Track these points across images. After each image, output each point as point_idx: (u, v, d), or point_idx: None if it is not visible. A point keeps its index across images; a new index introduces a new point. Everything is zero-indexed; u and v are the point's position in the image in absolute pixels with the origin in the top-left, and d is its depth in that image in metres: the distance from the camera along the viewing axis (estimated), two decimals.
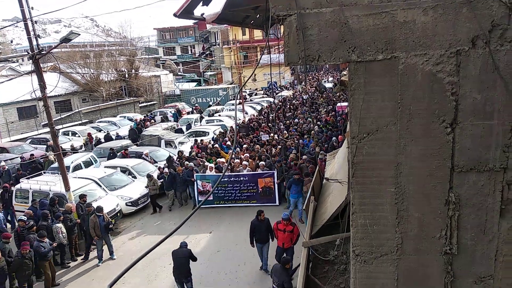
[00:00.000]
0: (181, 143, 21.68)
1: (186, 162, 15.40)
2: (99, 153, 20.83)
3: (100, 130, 28.04)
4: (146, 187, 14.63)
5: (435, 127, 4.26)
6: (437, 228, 4.48)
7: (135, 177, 16.22)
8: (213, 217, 13.65)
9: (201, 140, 20.31)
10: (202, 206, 14.03)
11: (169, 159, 16.96)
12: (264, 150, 16.15)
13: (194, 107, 37.66)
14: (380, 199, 4.55)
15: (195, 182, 14.27)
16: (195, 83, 51.26)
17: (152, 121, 31.06)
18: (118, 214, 13.77)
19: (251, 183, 13.89)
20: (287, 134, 18.33)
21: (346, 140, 10.17)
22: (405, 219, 4.53)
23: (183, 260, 8.75)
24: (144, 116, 33.56)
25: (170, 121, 31.82)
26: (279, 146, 16.11)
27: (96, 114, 34.81)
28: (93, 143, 23.58)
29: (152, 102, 44.05)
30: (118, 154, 19.46)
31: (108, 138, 25.33)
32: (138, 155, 18.91)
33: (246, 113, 29.73)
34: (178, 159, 17.03)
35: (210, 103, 40.26)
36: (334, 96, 31.73)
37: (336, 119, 21.66)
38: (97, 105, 35.13)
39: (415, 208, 4.48)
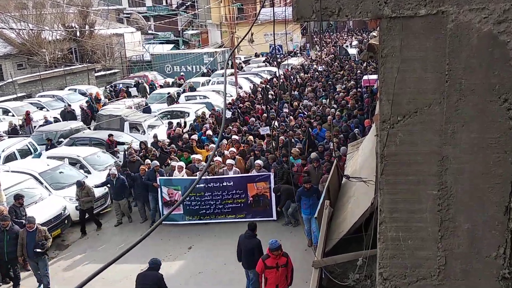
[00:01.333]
0: (152, 126, 21.70)
1: (148, 161, 14.81)
2: (41, 139, 20.85)
3: (41, 108, 27.99)
4: (76, 199, 13.88)
5: (493, 108, 4.24)
6: (493, 244, 4.49)
7: (89, 172, 16.26)
8: (193, 227, 13.74)
9: (179, 123, 20.28)
10: (168, 223, 13.65)
11: (125, 153, 16.41)
12: (262, 144, 15.56)
13: (178, 78, 37.45)
14: (417, 205, 4.56)
15: (158, 189, 13.91)
16: (171, 46, 51.01)
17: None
18: (66, 221, 13.83)
19: (237, 190, 13.53)
20: (293, 122, 18.14)
21: (374, 126, 10.18)
22: (450, 231, 4.55)
23: None
24: (106, 88, 33.45)
25: (136, 96, 31.79)
26: (282, 138, 15.87)
27: (37, 86, 34.73)
28: (34, 124, 23.55)
29: (112, 71, 43.91)
30: (68, 140, 19.42)
31: (66, 115, 25.39)
32: (93, 143, 18.94)
33: (240, 88, 29.69)
34: (152, 147, 16.80)
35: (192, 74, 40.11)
36: (359, 67, 31.68)
37: (362, 98, 21.63)
38: (38, 74, 34.98)
39: (464, 217, 4.49)
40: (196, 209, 13.75)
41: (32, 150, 19.05)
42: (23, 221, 12.16)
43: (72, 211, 14.30)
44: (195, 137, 17.32)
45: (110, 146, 18.45)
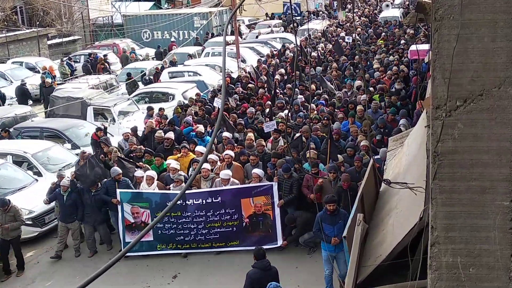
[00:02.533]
0: (124, 113, 21.76)
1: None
2: None
3: None
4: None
5: None
6: None
7: (39, 174, 16.36)
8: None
9: (161, 110, 20.26)
10: (132, 254, 13.45)
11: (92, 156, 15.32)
12: (263, 144, 14.94)
13: (170, 46, 37.41)
14: (482, 220, 4.55)
15: (119, 206, 13.54)
16: (151, 4, 51.09)
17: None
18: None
19: (228, 209, 13.21)
20: (315, 111, 17.84)
21: (424, 113, 10.16)
22: None
23: None
24: (62, 62, 33.48)
25: (109, 72, 31.81)
26: (296, 134, 15.52)
27: None
28: None
29: (71, 38, 44.03)
30: (12, 131, 19.52)
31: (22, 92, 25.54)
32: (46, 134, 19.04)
33: (243, 61, 29.72)
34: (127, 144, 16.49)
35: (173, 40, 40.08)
36: (402, 37, 31.36)
37: (408, 76, 21.49)
38: None
39: None
40: (170, 235, 13.44)
41: None
42: None
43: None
44: (171, 135, 16.37)
45: (97, 145, 17.00)
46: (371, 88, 20.30)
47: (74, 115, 21.33)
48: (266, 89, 21.83)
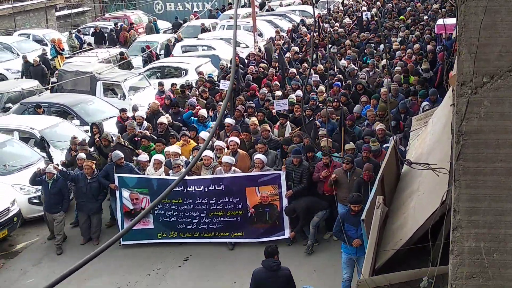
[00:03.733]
0: (135, 89, 21.81)
1: (82, 155, 13.88)
2: None
3: None
4: None
5: None
6: None
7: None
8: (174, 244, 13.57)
9: (173, 85, 20.26)
10: (131, 243, 13.36)
11: (41, 142, 15.50)
12: (268, 129, 14.44)
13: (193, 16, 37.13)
14: (508, 204, 4.53)
15: (116, 192, 13.44)
16: None
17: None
18: (15, 219, 14.07)
19: (231, 197, 13.04)
20: (324, 94, 17.07)
21: (449, 91, 10.08)
22: None
23: None
24: (71, 34, 33.57)
25: (114, 46, 31.92)
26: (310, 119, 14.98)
27: None
28: None
29: (80, 9, 44.05)
30: (19, 106, 19.66)
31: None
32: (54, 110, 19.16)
33: (260, 35, 29.56)
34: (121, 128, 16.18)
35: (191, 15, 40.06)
36: (425, 12, 30.87)
37: (435, 54, 21.13)
38: None
39: None
40: (172, 222, 13.32)
41: None
42: None
43: (24, 205, 14.61)
44: (163, 120, 15.92)
45: (122, 128, 16.46)
46: (398, 68, 19.35)
47: (83, 90, 21.41)
48: (278, 68, 21.22)
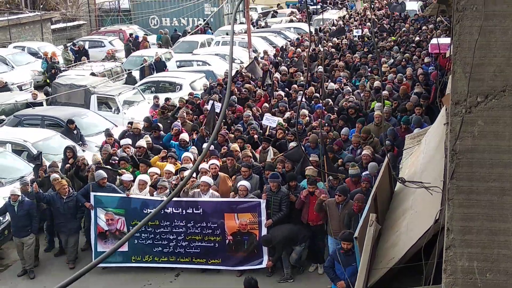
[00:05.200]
0: (129, 103, 21.80)
1: (55, 176, 13.49)
2: None
3: None
4: None
5: None
6: None
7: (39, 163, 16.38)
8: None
9: (167, 100, 20.28)
10: (104, 265, 12.91)
11: (38, 157, 14.92)
12: (249, 155, 14.02)
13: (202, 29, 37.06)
14: (501, 224, 4.53)
15: (91, 211, 13.03)
16: None
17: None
18: (6, 233, 13.88)
19: (210, 222, 12.65)
20: (307, 118, 16.73)
21: (443, 110, 10.09)
22: None
23: None
24: (66, 48, 33.60)
25: (115, 59, 31.91)
26: (291, 143, 14.60)
27: None
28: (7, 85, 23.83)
29: (76, 23, 44.10)
30: (12, 119, 19.61)
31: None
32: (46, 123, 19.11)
33: (255, 51, 29.68)
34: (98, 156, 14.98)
35: (187, 28, 40.16)
36: (417, 33, 30.68)
37: (427, 78, 20.97)
38: None
39: None
40: (147, 245, 12.89)
41: None
42: None
43: None
44: (141, 143, 15.45)
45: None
46: (385, 92, 18.42)
47: (77, 103, 21.38)
48: (264, 88, 20.87)
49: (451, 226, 4.64)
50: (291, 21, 42.29)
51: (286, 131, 15.77)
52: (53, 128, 18.68)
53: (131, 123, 17.41)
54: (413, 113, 16.00)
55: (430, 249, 6.85)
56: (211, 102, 17.93)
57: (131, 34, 37.02)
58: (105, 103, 21.93)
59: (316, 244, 12.50)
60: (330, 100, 18.73)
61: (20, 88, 27.24)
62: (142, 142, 15.39)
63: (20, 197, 12.80)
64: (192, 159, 14.22)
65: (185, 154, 14.47)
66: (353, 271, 9.47)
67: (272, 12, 48.25)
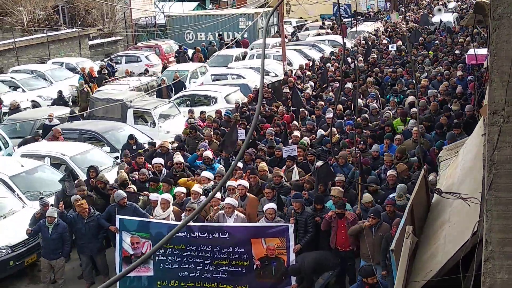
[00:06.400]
0: (165, 116, 22.02)
1: (76, 197, 13.08)
2: (14, 130, 21.43)
3: (16, 87, 28.94)
4: None
5: None
6: None
7: (77, 177, 16.58)
8: None
9: (202, 113, 20.37)
10: None
11: (69, 175, 14.56)
12: (281, 175, 13.66)
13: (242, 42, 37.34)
14: None
15: (117, 235, 12.69)
16: (195, 5, 51.67)
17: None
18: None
19: (237, 247, 12.24)
20: (337, 135, 16.19)
21: (481, 121, 9.99)
22: None
23: None
24: (102, 63, 34.09)
25: (146, 74, 32.32)
26: (318, 162, 14.00)
27: (10, 57, 35.87)
28: (4, 110, 24.30)
29: (113, 38, 44.79)
30: (50, 133, 19.91)
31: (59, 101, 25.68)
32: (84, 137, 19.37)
33: (289, 64, 29.73)
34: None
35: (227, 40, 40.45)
36: (455, 41, 30.30)
37: (464, 86, 20.59)
38: (12, 41, 36.15)
39: None
40: (173, 269, 12.49)
41: (2, 145, 19.69)
42: None
43: None
44: (179, 158, 15.24)
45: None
46: (414, 109, 17.63)
47: (114, 117, 21.67)
48: (290, 106, 20.31)
49: (489, 238, 4.59)
50: (318, 34, 42.18)
51: (307, 151, 15.24)
52: (91, 142, 18.96)
53: (152, 143, 17.29)
54: (450, 130, 15.51)
55: (468, 261, 6.78)
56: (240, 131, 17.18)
57: (180, 46, 37.94)
58: (141, 116, 22.19)
59: (345, 271, 12.07)
60: (366, 116, 18.09)
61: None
62: (180, 158, 15.17)
63: (56, 219, 12.65)
64: (212, 179, 13.92)
65: (203, 174, 14.16)
66: None
67: (306, 26, 48.33)
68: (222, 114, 19.89)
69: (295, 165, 14.37)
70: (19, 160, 17.03)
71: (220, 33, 42.66)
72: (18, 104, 24.23)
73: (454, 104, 18.08)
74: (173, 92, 26.84)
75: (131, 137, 17.77)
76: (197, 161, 15.76)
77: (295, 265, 11.66)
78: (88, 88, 27.33)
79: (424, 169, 10.20)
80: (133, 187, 14.07)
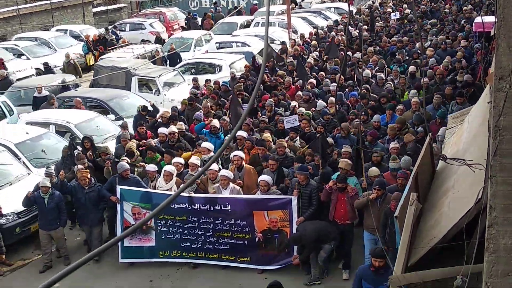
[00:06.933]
0: (169, 84, 21.97)
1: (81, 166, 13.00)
2: (18, 97, 21.43)
3: (20, 55, 28.92)
4: None
5: None
6: None
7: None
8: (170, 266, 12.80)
9: (207, 81, 20.28)
10: (132, 261, 12.84)
11: (71, 146, 14.56)
12: (285, 145, 13.50)
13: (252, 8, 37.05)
14: None
15: (118, 205, 12.73)
16: None
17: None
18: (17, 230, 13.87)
19: (238, 220, 12.28)
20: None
21: (487, 89, 9.94)
22: None
23: None
24: (107, 30, 33.96)
25: (149, 42, 32.15)
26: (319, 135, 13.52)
27: (14, 24, 35.74)
28: (7, 77, 24.23)
29: (116, 5, 44.47)
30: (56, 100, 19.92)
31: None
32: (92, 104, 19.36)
33: (295, 32, 29.48)
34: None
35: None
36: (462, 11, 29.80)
37: (471, 53, 20.65)
38: (15, 8, 35.98)
39: None
40: (175, 240, 12.60)
41: (7, 113, 19.74)
42: None
43: None
44: (173, 128, 15.05)
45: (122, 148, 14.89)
46: (425, 79, 17.64)
47: (118, 85, 21.65)
48: (295, 77, 19.94)
49: (494, 204, 4.59)
50: (323, 1, 41.82)
51: (313, 122, 15.16)
52: (95, 110, 18.98)
53: (124, 126, 16.22)
54: (453, 100, 15.49)
55: (472, 228, 6.80)
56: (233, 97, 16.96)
57: (189, 13, 37.88)
58: (145, 84, 22.16)
59: (343, 246, 11.98)
60: (368, 86, 17.87)
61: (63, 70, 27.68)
62: (173, 128, 15.01)
63: (50, 189, 12.55)
64: (212, 149, 13.77)
65: (204, 144, 14.00)
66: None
67: None
68: (220, 85, 19.68)
69: (298, 137, 14.27)
70: (24, 127, 17.08)
71: (215, 1, 42.29)
72: (6, 75, 23.86)
73: (460, 75, 17.89)
74: (167, 64, 26.69)
75: (144, 108, 17.56)
76: (204, 129, 15.60)
77: (296, 233, 11.64)
78: (75, 61, 27.20)
79: (430, 136, 10.20)
80: (138, 156, 14.05)
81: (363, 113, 15.11)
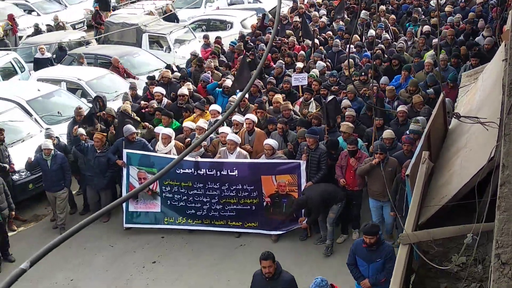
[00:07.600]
0: (180, 41, 21.85)
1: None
2: (29, 54, 21.41)
3: (30, 11, 28.74)
4: None
5: None
6: None
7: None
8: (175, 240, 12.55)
9: (218, 38, 20.14)
10: (137, 227, 12.76)
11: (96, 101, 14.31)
12: (290, 108, 13.24)
13: None
14: None
15: (124, 169, 12.64)
16: None
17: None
18: (31, 186, 13.96)
19: (246, 185, 12.10)
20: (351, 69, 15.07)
21: (501, 47, 9.86)
22: None
23: None
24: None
25: None
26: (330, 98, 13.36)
27: None
28: (20, 34, 24.19)
29: None
30: (66, 57, 19.89)
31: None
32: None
33: None
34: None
35: None
36: None
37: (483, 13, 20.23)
38: None
39: None
40: (180, 207, 12.49)
41: (18, 69, 19.74)
42: (6, 165, 12.80)
43: None
44: (184, 90, 14.66)
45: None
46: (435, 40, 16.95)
47: (129, 42, 21.57)
48: (300, 37, 19.51)
49: (506, 162, 4.55)
50: None
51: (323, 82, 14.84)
52: (106, 67, 18.94)
53: (151, 77, 16.28)
54: (467, 61, 15.20)
55: (484, 187, 6.79)
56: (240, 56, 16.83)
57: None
58: (156, 41, 22.06)
59: (348, 209, 11.81)
60: (383, 46, 17.62)
61: (74, 27, 27.54)
62: (185, 90, 14.67)
63: (53, 151, 12.41)
64: (220, 112, 13.45)
65: (212, 106, 13.68)
66: (377, 268, 8.77)
67: None
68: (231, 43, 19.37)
69: (313, 98, 13.95)
70: (35, 84, 17.10)
71: None
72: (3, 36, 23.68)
73: (487, 30, 17.38)
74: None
75: (168, 66, 17.52)
76: (216, 89, 15.40)
77: (302, 197, 11.52)
78: (63, 22, 26.84)
79: (444, 94, 10.14)
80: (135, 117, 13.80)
81: (363, 74, 14.84)
